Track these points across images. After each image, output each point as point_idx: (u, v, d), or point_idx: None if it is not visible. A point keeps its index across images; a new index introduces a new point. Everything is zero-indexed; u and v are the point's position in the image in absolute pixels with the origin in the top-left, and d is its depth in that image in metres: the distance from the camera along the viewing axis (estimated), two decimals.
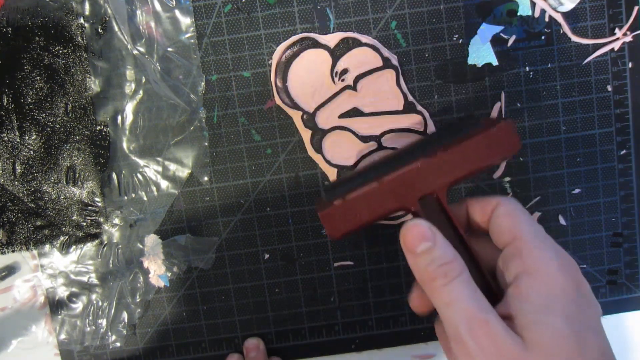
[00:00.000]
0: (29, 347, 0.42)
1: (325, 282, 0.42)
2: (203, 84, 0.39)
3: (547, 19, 0.39)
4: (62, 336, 0.42)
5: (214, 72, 0.39)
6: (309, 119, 0.39)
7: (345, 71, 0.38)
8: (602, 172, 0.41)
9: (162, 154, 0.40)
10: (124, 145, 0.40)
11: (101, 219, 0.40)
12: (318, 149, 0.39)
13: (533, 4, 0.39)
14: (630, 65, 0.40)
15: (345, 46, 0.38)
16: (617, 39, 0.39)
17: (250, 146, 0.40)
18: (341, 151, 0.39)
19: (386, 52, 0.38)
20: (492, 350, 0.23)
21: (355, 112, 0.39)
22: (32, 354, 0.42)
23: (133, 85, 0.39)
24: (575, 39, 0.39)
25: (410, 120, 0.39)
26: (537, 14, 0.39)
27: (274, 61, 0.38)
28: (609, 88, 0.40)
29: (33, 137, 0.39)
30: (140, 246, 0.41)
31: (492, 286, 0.27)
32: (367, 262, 0.41)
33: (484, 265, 0.27)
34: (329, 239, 0.38)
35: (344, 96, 0.38)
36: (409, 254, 0.27)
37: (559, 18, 0.39)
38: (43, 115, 0.39)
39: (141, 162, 0.40)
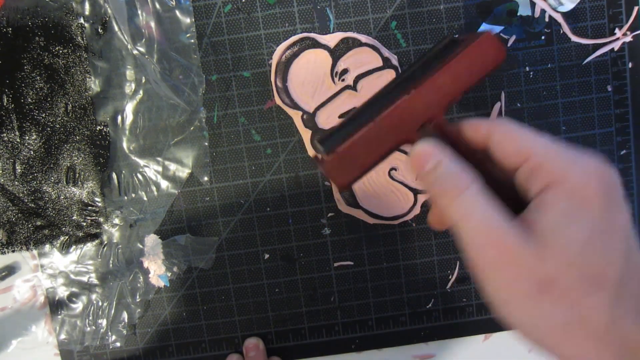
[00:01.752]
0: (29, 347, 0.42)
1: (325, 282, 0.42)
2: (203, 84, 0.39)
3: (547, 19, 0.39)
4: (62, 336, 0.42)
5: (214, 72, 0.39)
6: (309, 119, 0.39)
7: (345, 71, 0.38)
8: None
9: (162, 154, 0.40)
10: (124, 145, 0.40)
11: (101, 219, 0.40)
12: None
13: (533, 4, 0.39)
14: (630, 65, 0.40)
15: (345, 46, 0.38)
16: (617, 39, 0.39)
17: (250, 146, 0.40)
18: None
19: (386, 52, 0.38)
20: (508, 258, 0.23)
21: None
22: (32, 354, 0.42)
23: (133, 85, 0.39)
24: (575, 39, 0.39)
25: None
26: (537, 14, 0.39)
27: (274, 61, 0.38)
28: (609, 88, 0.40)
29: (33, 137, 0.39)
30: (140, 246, 0.41)
31: (511, 197, 0.26)
32: (367, 262, 0.41)
33: (501, 179, 0.27)
34: (338, 190, 0.36)
35: (344, 96, 0.38)
36: (420, 175, 0.27)
37: (559, 18, 0.39)
38: (43, 115, 0.39)
39: (141, 162, 0.40)
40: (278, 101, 0.39)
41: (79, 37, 0.38)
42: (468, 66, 0.28)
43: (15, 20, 0.37)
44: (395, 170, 0.40)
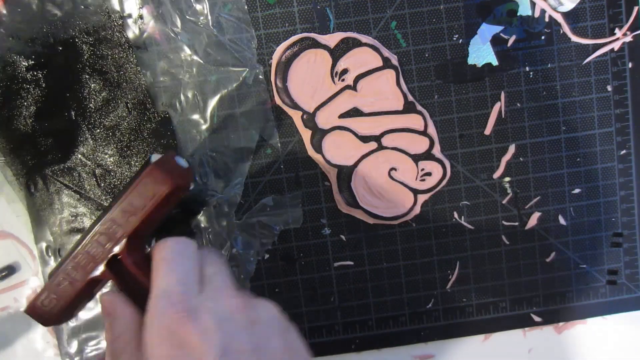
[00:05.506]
0: (29, 347, 0.42)
1: (325, 282, 0.42)
2: (254, 39, 0.38)
3: (547, 19, 0.39)
4: (63, 337, 0.42)
5: (214, 72, 0.39)
6: (309, 119, 0.39)
7: (345, 71, 0.38)
8: (602, 172, 0.41)
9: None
10: (190, 128, 0.39)
11: None
12: (318, 149, 0.39)
13: (533, 4, 0.39)
14: (630, 65, 0.40)
15: (345, 46, 0.38)
16: (617, 39, 0.39)
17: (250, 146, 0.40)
18: (341, 151, 0.39)
19: (386, 52, 0.38)
20: None
21: (355, 112, 0.39)
22: (32, 355, 0.42)
23: (184, 67, 0.38)
24: (575, 39, 0.39)
25: (410, 121, 0.39)
26: (537, 14, 0.39)
27: (274, 61, 0.38)
28: (609, 88, 0.40)
29: (104, 143, 0.39)
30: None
31: None
32: (367, 262, 0.41)
33: None
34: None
35: (344, 96, 0.38)
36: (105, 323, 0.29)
37: (559, 18, 0.39)
38: (108, 119, 0.39)
39: (208, 144, 0.39)
40: (278, 101, 0.39)
41: (122, 35, 0.38)
42: (134, 203, 0.28)
43: (58, 34, 0.37)
44: (395, 170, 0.40)
